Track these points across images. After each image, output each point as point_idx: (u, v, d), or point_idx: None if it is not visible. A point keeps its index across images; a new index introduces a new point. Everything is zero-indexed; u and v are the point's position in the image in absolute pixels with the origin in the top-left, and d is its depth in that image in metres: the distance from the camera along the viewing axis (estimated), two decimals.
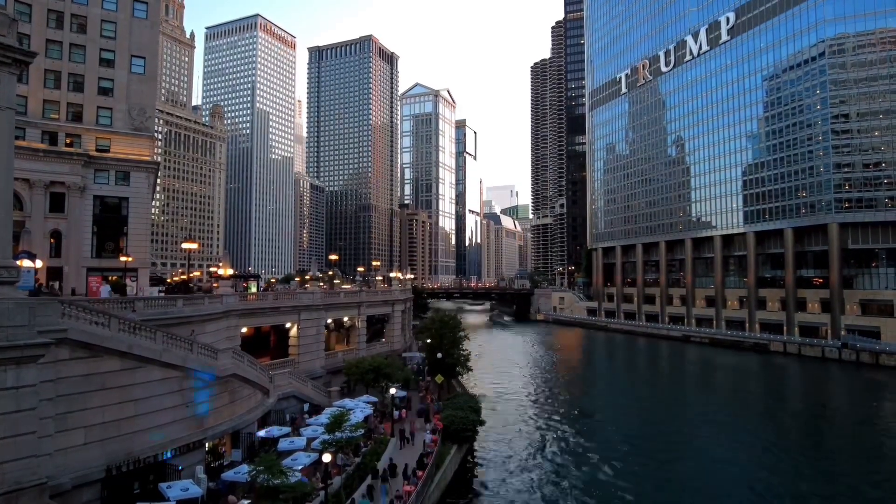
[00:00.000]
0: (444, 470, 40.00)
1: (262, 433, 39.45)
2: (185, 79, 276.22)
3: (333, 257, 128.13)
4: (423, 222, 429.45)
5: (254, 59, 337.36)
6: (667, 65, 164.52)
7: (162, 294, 48.04)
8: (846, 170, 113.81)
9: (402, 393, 52.80)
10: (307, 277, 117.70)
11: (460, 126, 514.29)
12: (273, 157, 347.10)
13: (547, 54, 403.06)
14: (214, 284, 62.34)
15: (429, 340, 67.00)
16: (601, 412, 69.10)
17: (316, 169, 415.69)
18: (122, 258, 52.90)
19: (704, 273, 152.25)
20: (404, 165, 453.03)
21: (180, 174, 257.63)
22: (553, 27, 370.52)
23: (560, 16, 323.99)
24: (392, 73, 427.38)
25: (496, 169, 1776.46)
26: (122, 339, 27.69)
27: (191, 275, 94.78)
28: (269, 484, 28.05)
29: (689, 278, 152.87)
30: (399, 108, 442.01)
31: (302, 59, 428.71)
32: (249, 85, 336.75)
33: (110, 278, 52.14)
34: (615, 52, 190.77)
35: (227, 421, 35.10)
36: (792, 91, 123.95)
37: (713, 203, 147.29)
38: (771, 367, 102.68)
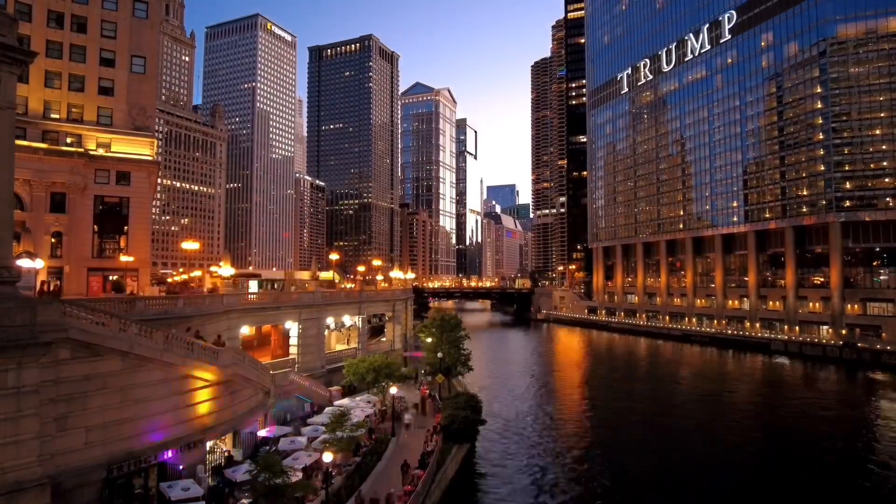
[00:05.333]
0: (444, 469, 39.97)
1: (263, 432, 39.47)
2: (186, 78, 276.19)
3: (334, 257, 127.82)
4: (424, 222, 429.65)
5: (254, 58, 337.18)
6: (668, 64, 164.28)
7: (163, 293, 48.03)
8: (847, 168, 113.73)
9: (402, 394, 52.74)
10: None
11: (461, 125, 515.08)
12: (273, 156, 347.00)
13: (547, 53, 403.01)
14: (213, 283, 62.20)
15: (429, 340, 66.90)
16: (601, 410, 69.09)
17: (316, 168, 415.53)
18: (123, 258, 52.87)
19: (705, 272, 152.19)
20: (405, 165, 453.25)
21: (181, 174, 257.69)
22: (553, 26, 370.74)
23: (560, 15, 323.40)
24: (392, 73, 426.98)
25: (497, 168, 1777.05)
26: (122, 339, 27.67)
27: (191, 275, 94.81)
28: (270, 483, 28.05)
29: (689, 277, 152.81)
30: (399, 107, 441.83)
31: (302, 59, 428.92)
32: (250, 84, 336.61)
33: (111, 278, 52.18)
34: (616, 52, 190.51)
35: (228, 420, 35.05)
36: (793, 89, 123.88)
37: (714, 202, 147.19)
38: (772, 366, 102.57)
